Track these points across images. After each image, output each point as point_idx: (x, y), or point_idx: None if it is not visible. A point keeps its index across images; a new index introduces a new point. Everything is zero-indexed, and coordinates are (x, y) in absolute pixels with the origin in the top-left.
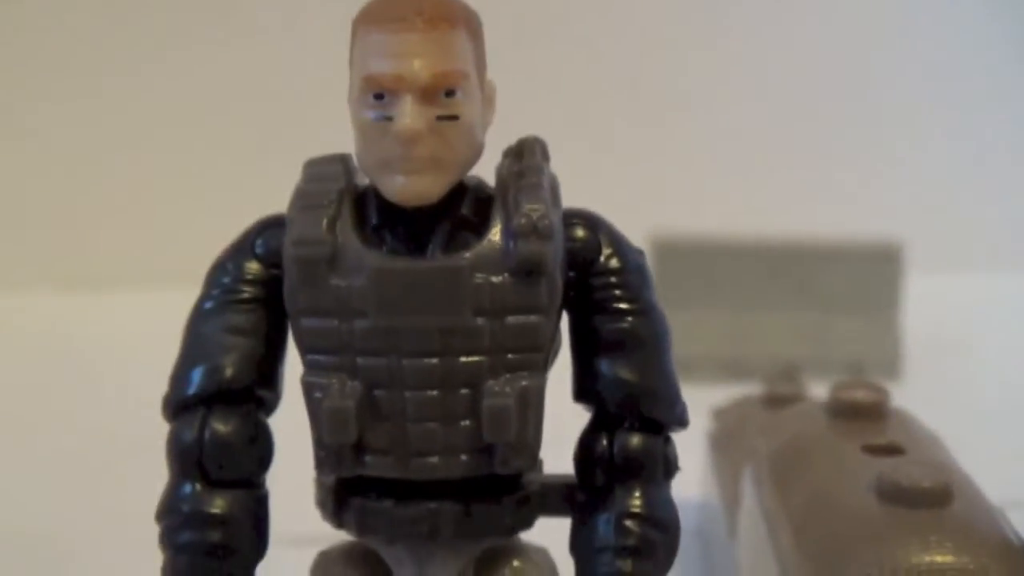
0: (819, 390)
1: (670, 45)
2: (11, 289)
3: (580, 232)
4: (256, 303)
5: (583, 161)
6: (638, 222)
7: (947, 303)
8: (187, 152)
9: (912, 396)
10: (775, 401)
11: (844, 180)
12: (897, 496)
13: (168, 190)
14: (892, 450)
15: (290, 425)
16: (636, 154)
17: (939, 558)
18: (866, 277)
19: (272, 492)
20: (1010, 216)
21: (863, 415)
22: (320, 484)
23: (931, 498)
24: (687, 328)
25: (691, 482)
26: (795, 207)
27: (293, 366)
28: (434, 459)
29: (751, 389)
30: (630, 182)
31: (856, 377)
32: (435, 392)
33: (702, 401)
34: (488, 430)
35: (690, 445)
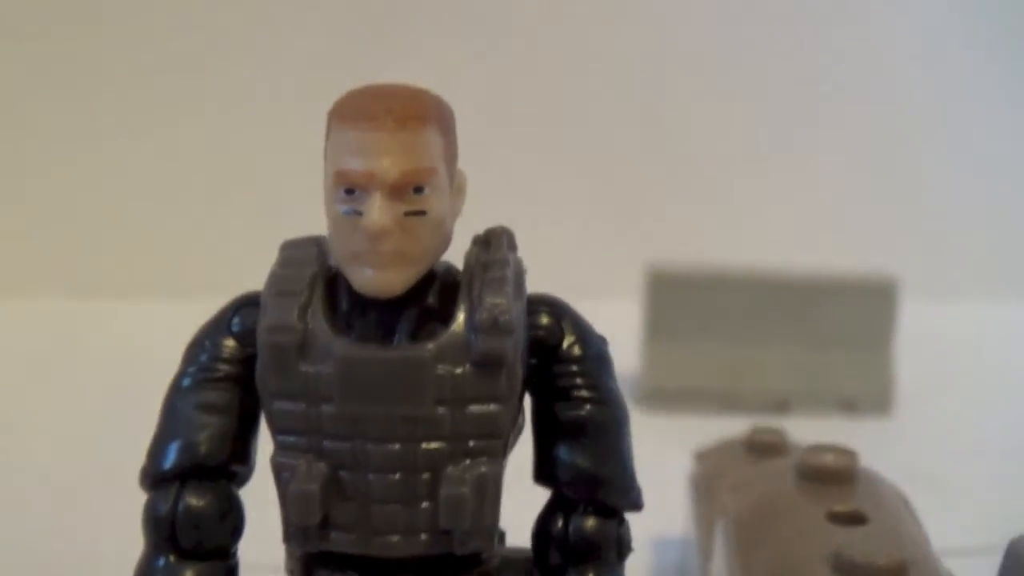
0: (809, 426)
1: (666, 77)
2: (23, 294)
3: (544, 319)
4: (231, 381)
5: (579, 193)
6: (633, 254)
7: (940, 337)
8: (204, 164)
9: (903, 432)
10: (757, 448)
11: (839, 213)
12: (853, 572)
13: (183, 200)
14: (856, 519)
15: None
16: (632, 186)
17: None
18: (860, 312)
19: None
20: (1002, 247)
21: (831, 479)
22: (290, 554)
23: (885, 575)
24: (680, 361)
25: (675, 519)
26: (790, 240)
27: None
28: (395, 538)
29: (741, 424)
30: (625, 214)
31: (825, 443)
32: (397, 475)
33: (692, 431)
34: (445, 517)
35: (675, 479)
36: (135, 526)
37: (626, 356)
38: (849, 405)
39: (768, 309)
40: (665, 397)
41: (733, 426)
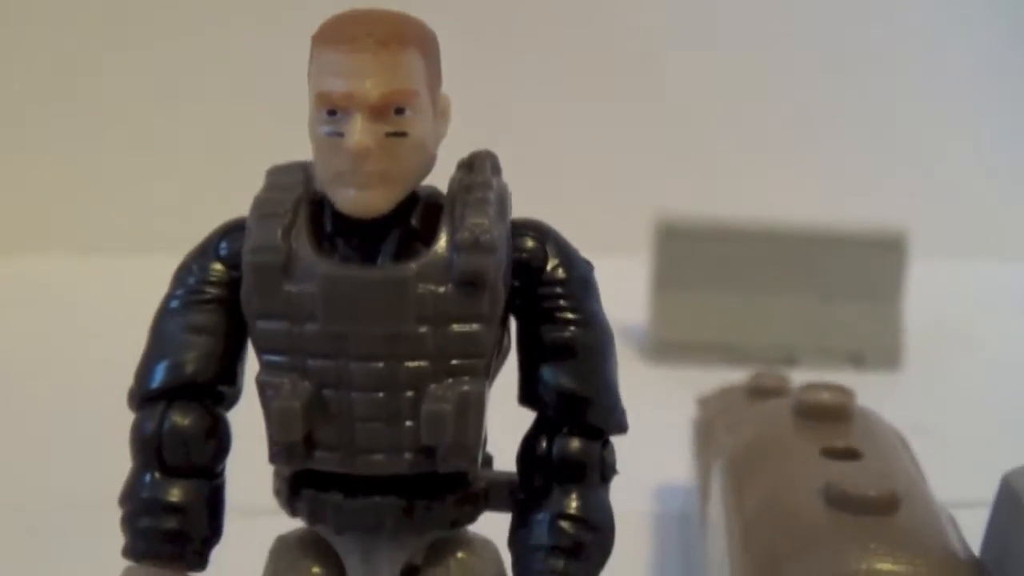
0: (816, 379)
1: (678, 30)
2: (25, 252)
3: (529, 243)
4: (218, 303)
5: (589, 146)
6: (642, 205)
7: (949, 291)
8: (201, 119)
9: (910, 386)
10: (759, 392)
11: (849, 167)
12: (844, 503)
13: (182, 155)
14: (850, 454)
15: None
16: (641, 139)
17: (879, 565)
18: (869, 266)
19: (237, 469)
20: (1013, 205)
21: (827, 416)
22: (277, 474)
23: (877, 506)
24: (688, 313)
25: (679, 467)
26: (799, 193)
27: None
28: (379, 456)
29: (746, 375)
30: (635, 166)
31: (823, 380)
32: (380, 394)
33: (698, 384)
34: (426, 433)
35: (681, 431)
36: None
37: (634, 308)
38: (857, 359)
39: (776, 262)
40: (673, 349)
41: (740, 378)
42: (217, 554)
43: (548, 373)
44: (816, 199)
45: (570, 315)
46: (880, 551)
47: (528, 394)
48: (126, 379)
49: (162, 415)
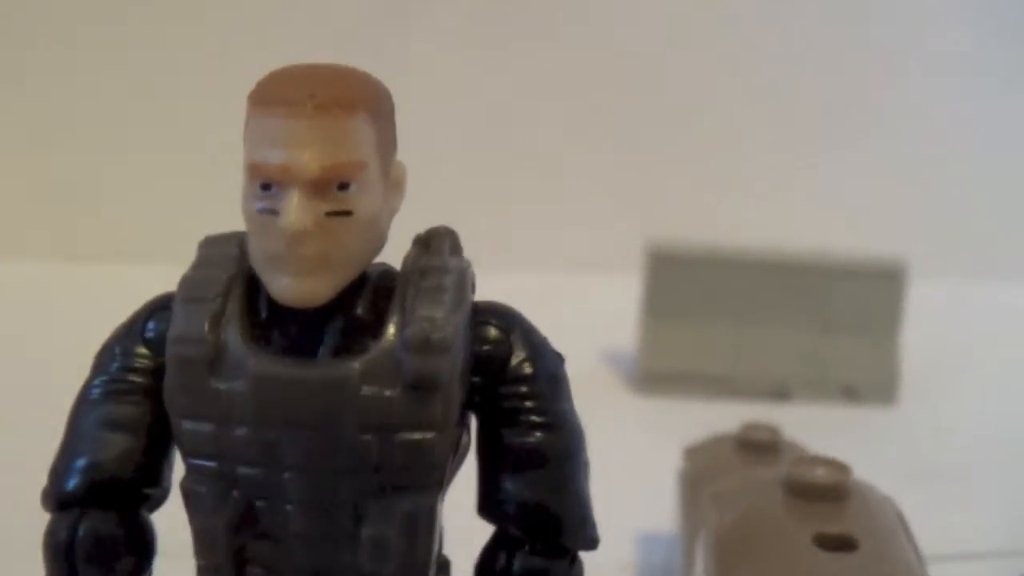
0: (809, 414)
1: (672, 54)
2: (14, 257)
3: (491, 332)
4: (142, 394)
5: (581, 170)
6: (635, 232)
7: (946, 323)
8: (193, 128)
9: (906, 422)
10: (749, 446)
11: (846, 194)
12: None
13: (173, 164)
14: (845, 543)
15: None
16: (634, 163)
17: None
18: (867, 297)
19: None
20: (1011, 232)
21: (821, 497)
22: None
23: None
24: (679, 342)
25: (663, 515)
26: (795, 221)
27: None
28: None
29: (739, 410)
30: (627, 191)
31: (817, 455)
32: (316, 509)
33: (689, 419)
34: (367, 560)
35: (666, 471)
36: None
37: (624, 336)
38: (851, 393)
39: (771, 291)
40: (662, 379)
41: (731, 412)
42: None
43: (511, 484)
44: (813, 226)
45: (536, 418)
46: None
47: (487, 506)
48: None
49: (75, 522)
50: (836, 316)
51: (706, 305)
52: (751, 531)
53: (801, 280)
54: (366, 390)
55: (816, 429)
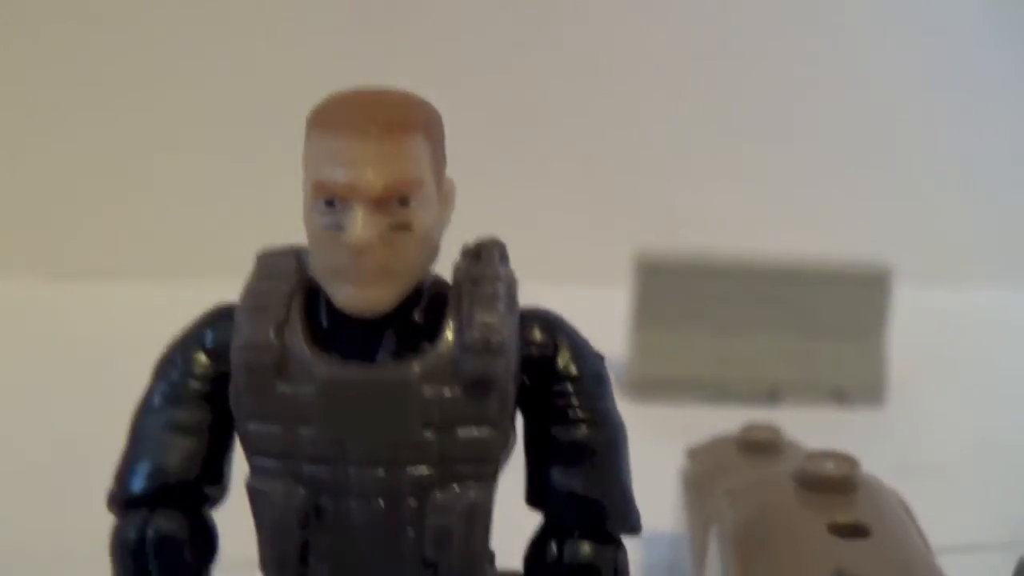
0: (801, 417)
1: (655, 63)
2: (4, 276)
3: (538, 336)
4: (203, 399)
5: (568, 180)
6: (622, 241)
7: (932, 325)
8: (190, 144)
9: (895, 423)
10: (751, 446)
11: (830, 201)
12: None
13: (169, 182)
14: (858, 531)
15: None
16: (621, 173)
17: None
18: (852, 301)
19: None
20: (995, 233)
21: (832, 489)
22: None
23: None
24: (669, 349)
25: (665, 516)
26: (781, 228)
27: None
28: (378, 569)
29: (731, 414)
30: (615, 201)
31: (829, 449)
32: (381, 502)
33: (682, 423)
34: (430, 547)
35: (664, 470)
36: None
37: (614, 344)
38: (840, 395)
39: (759, 297)
40: (654, 386)
41: (723, 416)
42: None
43: (559, 476)
44: (798, 233)
45: (582, 414)
46: None
47: (536, 497)
48: (100, 405)
49: (144, 522)
50: (823, 320)
51: (695, 312)
52: (768, 523)
53: (787, 286)
54: (427, 390)
55: (807, 431)
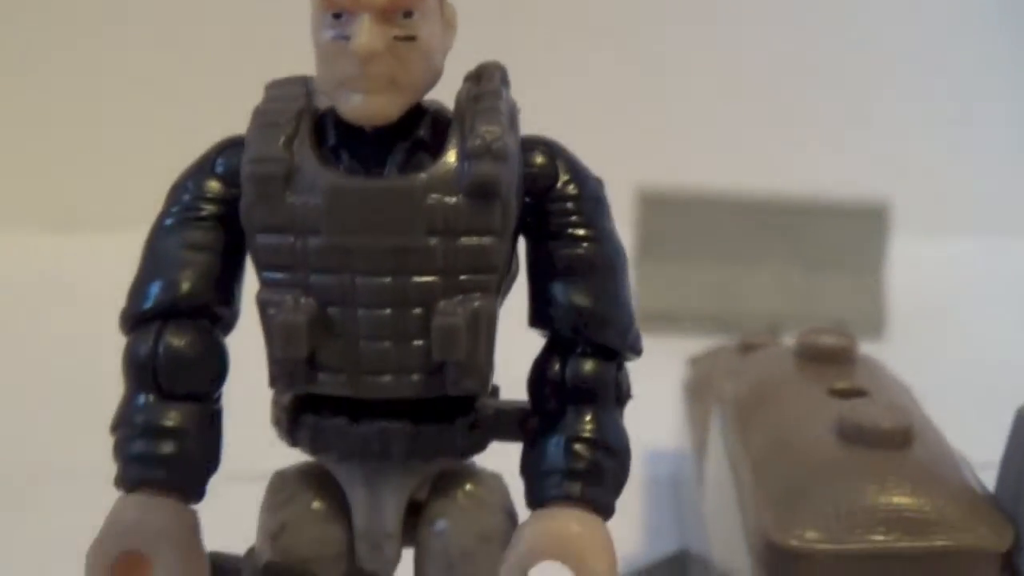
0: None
1: (660, 4)
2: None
3: (539, 158)
4: (215, 220)
5: (570, 116)
6: (625, 176)
7: (932, 266)
8: (175, 95)
9: (895, 356)
10: (750, 349)
11: (832, 138)
12: (858, 437)
13: (157, 131)
14: (857, 393)
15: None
16: (624, 109)
17: (896, 499)
18: (852, 236)
19: (228, 428)
20: (995, 181)
21: (831, 359)
22: (276, 403)
23: (891, 440)
24: (671, 281)
25: (667, 432)
26: (783, 163)
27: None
28: (386, 378)
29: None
30: (617, 136)
31: (823, 325)
32: (388, 311)
33: (682, 353)
34: (438, 348)
35: (668, 396)
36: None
37: None
38: (841, 327)
39: (759, 232)
40: (656, 319)
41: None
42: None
43: (560, 290)
44: (801, 169)
45: (582, 231)
46: (897, 485)
47: (539, 314)
48: (94, 356)
49: (157, 336)
50: (823, 255)
51: (697, 246)
52: (767, 392)
53: (788, 221)
54: (431, 198)
55: None
